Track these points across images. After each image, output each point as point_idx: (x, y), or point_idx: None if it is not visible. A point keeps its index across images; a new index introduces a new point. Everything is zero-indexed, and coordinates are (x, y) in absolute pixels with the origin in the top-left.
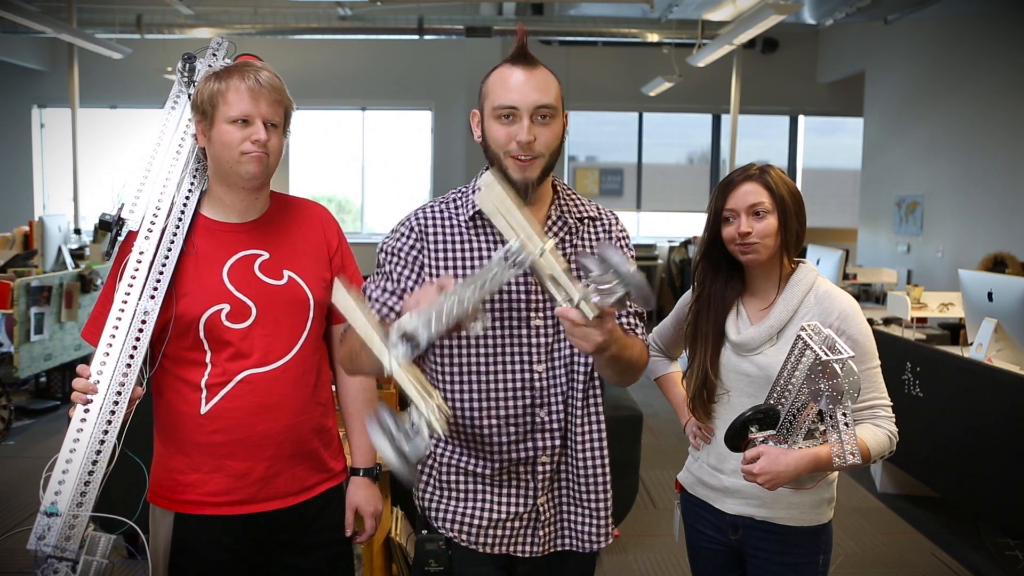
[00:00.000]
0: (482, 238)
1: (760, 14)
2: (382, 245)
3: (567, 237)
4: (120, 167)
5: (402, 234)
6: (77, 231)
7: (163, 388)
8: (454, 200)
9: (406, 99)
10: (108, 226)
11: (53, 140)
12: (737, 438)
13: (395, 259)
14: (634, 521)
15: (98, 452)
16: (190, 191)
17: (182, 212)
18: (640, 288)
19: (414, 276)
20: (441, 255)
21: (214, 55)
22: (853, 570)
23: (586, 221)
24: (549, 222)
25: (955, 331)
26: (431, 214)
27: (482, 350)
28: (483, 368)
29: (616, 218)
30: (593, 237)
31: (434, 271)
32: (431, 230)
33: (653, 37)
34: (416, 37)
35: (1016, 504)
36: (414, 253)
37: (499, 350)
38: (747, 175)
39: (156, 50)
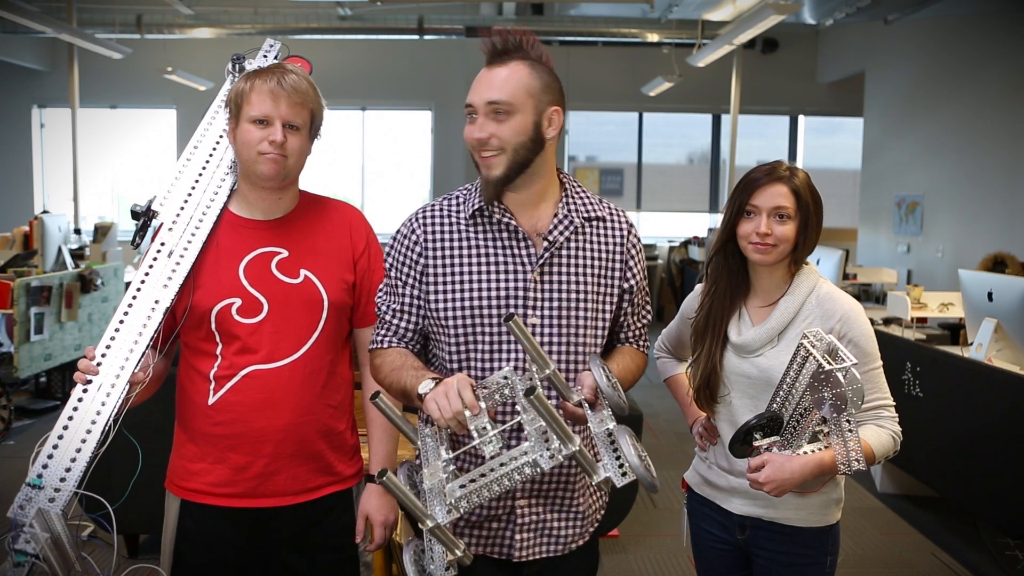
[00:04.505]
0: (482, 236)
1: (760, 14)
2: (388, 250)
3: (571, 237)
4: (120, 166)
5: (405, 236)
6: (77, 231)
7: (182, 377)
8: (457, 197)
9: (406, 99)
10: (137, 216)
11: (53, 140)
12: (742, 445)
13: (399, 270)
14: (634, 521)
15: (88, 432)
16: (219, 187)
17: (208, 207)
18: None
19: (418, 285)
20: (440, 253)
21: (264, 56)
22: (853, 570)
23: (594, 222)
24: (555, 220)
25: (955, 331)
26: (431, 213)
27: (480, 346)
28: (477, 363)
29: (629, 224)
30: (599, 238)
31: (436, 271)
32: (431, 228)
33: (653, 37)
34: (416, 37)
35: (1016, 504)
36: (414, 257)
37: (494, 346)
38: (777, 176)
39: (156, 50)
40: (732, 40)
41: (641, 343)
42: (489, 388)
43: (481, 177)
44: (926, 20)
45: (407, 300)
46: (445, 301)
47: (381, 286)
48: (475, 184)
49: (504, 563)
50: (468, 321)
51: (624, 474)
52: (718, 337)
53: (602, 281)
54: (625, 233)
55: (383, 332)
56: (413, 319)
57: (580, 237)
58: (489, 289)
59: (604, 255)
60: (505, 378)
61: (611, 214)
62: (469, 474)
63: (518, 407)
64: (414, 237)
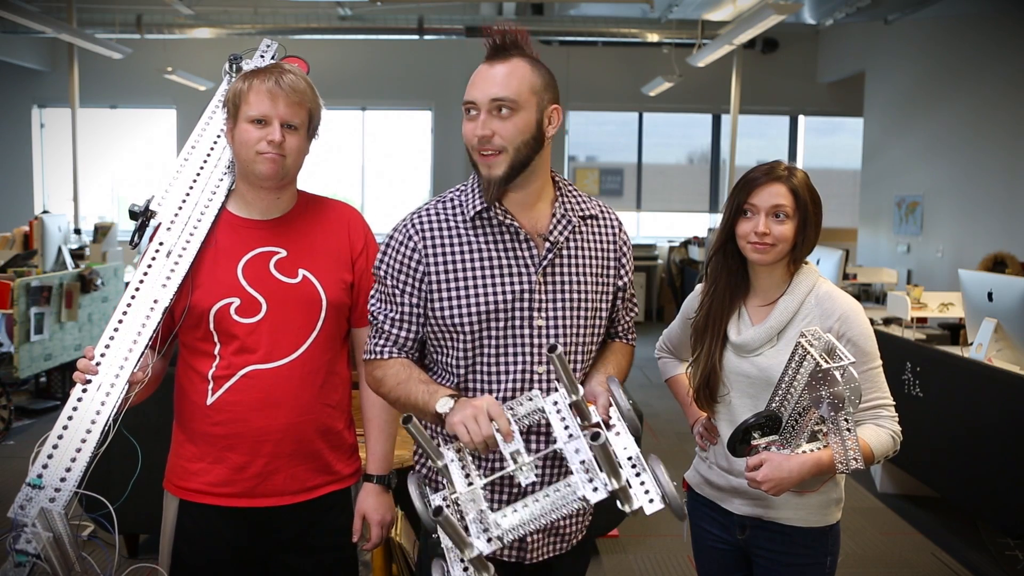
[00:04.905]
0: (483, 238)
1: (760, 14)
2: (381, 256)
3: (571, 236)
4: (120, 166)
5: (401, 243)
6: (77, 231)
7: (180, 377)
8: (452, 199)
9: (406, 99)
10: (135, 216)
11: (53, 140)
12: (740, 444)
13: (396, 278)
14: (634, 521)
15: (88, 431)
16: (217, 186)
17: (206, 206)
18: (675, 503)
19: (418, 293)
20: (442, 259)
21: (261, 56)
22: (853, 570)
23: (588, 220)
24: (554, 220)
25: (955, 331)
26: (428, 217)
27: (486, 350)
28: (485, 368)
29: (619, 220)
30: (594, 236)
31: (439, 278)
32: (429, 234)
33: (653, 37)
34: (416, 37)
35: (1016, 504)
36: (413, 264)
37: (501, 350)
38: (775, 175)
39: (156, 50)
40: (732, 40)
41: (629, 337)
42: (517, 414)
43: (481, 177)
44: (926, 20)
45: (406, 309)
46: (451, 308)
47: (373, 292)
48: (468, 185)
49: (510, 565)
50: (477, 327)
51: (651, 501)
52: (718, 337)
53: (600, 279)
54: (617, 230)
55: (381, 342)
56: (413, 328)
57: (578, 236)
58: (495, 293)
59: (600, 253)
60: (539, 408)
61: (602, 212)
62: (512, 505)
63: (556, 437)
64: (411, 244)
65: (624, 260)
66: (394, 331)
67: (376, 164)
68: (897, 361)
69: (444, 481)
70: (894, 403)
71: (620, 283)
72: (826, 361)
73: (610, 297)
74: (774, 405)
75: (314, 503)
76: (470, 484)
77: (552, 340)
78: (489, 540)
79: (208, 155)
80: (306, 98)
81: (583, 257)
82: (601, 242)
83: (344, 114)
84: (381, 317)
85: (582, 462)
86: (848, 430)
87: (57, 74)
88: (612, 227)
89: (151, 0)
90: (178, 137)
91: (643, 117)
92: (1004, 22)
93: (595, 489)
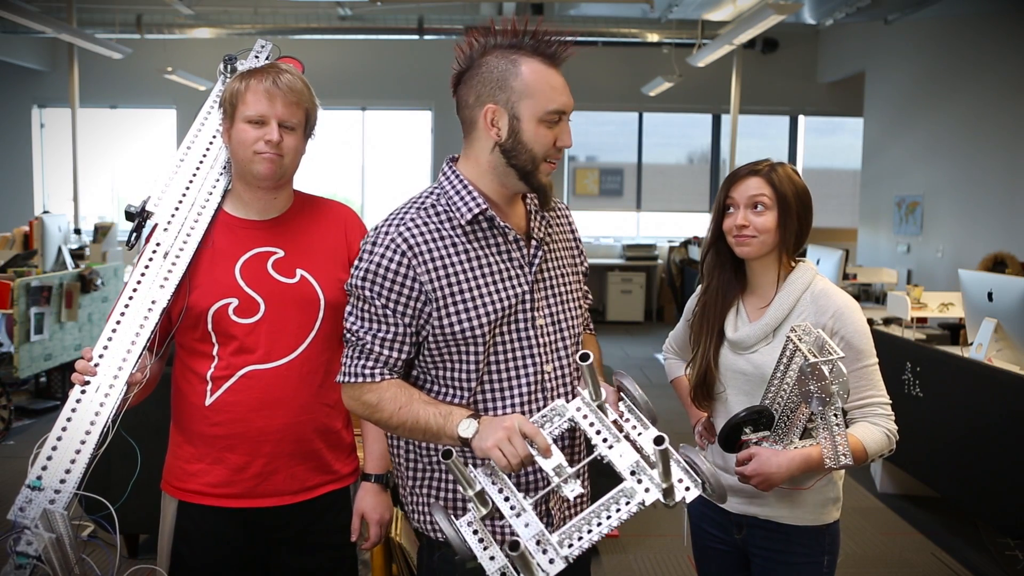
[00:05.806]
0: (477, 244)
1: (760, 14)
2: (364, 274)
3: (544, 227)
4: (120, 166)
5: (391, 260)
6: (77, 231)
7: (178, 378)
8: (433, 206)
9: (406, 99)
10: (132, 217)
11: (53, 140)
12: (732, 438)
13: (387, 297)
14: (634, 521)
15: (87, 432)
16: (214, 187)
17: (203, 207)
18: (719, 488)
19: (412, 312)
20: (443, 272)
21: (256, 57)
22: (853, 570)
23: (549, 212)
24: (530, 217)
25: (955, 331)
26: (417, 228)
27: (497, 357)
28: (496, 376)
29: (567, 207)
30: (557, 227)
31: (442, 291)
32: (426, 247)
33: (653, 37)
34: (416, 37)
35: (1016, 504)
36: (409, 283)
37: (510, 355)
38: (755, 170)
39: (156, 50)
40: (732, 40)
41: (591, 326)
42: (545, 427)
43: (542, 185)
44: (926, 20)
45: (400, 329)
46: (463, 321)
47: (350, 310)
48: (445, 189)
49: None
50: (489, 336)
51: (687, 489)
52: (713, 334)
53: (573, 269)
54: (570, 217)
55: (371, 364)
56: (407, 348)
57: (549, 229)
58: (501, 299)
59: (566, 243)
60: (565, 416)
61: (554, 201)
62: (571, 522)
63: (594, 445)
64: (405, 261)
65: (581, 246)
66: (384, 351)
67: (376, 164)
68: (897, 361)
69: (470, 505)
70: (890, 401)
71: (583, 269)
72: (814, 356)
73: (581, 284)
74: (767, 401)
75: (313, 503)
76: (512, 508)
77: (552, 338)
78: (551, 561)
79: (204, 156)
80: (303, 98)
81: (558, 250)
82: (563, 232)
83: (344, 114)
84: (369, 337)
85: (628, 466)
86: (837, 425)
87: (57, 74)
88: (565, 215)
89: (151, 0)
90: (178, 137)
91: (643, 117)
92: (1004, 22)
93: (647, 490)
